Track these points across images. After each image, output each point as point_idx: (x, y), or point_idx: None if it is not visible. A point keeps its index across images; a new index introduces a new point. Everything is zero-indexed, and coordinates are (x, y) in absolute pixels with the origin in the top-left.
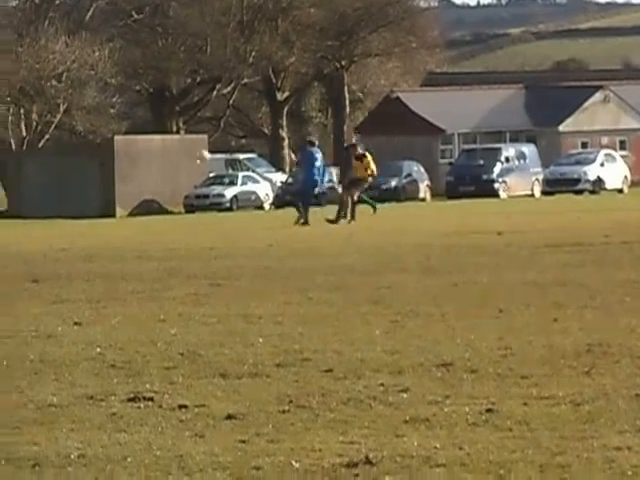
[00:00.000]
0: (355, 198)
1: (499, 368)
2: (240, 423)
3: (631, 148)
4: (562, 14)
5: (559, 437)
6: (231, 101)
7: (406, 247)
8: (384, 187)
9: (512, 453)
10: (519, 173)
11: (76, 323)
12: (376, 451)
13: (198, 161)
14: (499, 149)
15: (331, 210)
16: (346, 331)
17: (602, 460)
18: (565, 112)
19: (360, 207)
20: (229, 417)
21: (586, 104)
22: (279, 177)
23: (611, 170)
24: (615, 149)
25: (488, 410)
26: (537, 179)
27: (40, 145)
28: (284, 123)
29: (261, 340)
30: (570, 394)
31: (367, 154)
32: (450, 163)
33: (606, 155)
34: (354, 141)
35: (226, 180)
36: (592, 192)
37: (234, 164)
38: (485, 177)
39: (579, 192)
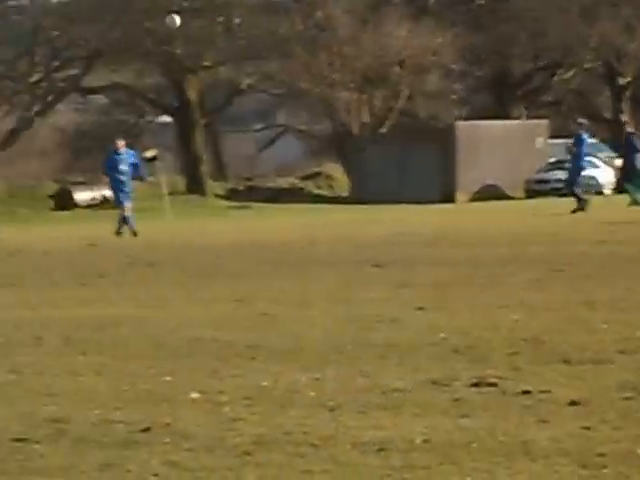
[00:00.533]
0: None
1: None
2: (584, 409)
3: None
4: None
5: None
6: (572, 86)
7: None
8: None
9: None
10: None
11: (419, 308)
12: None
13: (537, 146)
14: None
15: None
16: None
17: None
18: None
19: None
20: (573, 403)
21: None
22: (620, 162)
23: None
24: None
25: None
26: None
27: (382, 131)
28: (625, 108)
29: (605, 326)
30: None
31: None
32: None
33: None
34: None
35: (567, 165)
36: None
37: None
38: None
39: None
